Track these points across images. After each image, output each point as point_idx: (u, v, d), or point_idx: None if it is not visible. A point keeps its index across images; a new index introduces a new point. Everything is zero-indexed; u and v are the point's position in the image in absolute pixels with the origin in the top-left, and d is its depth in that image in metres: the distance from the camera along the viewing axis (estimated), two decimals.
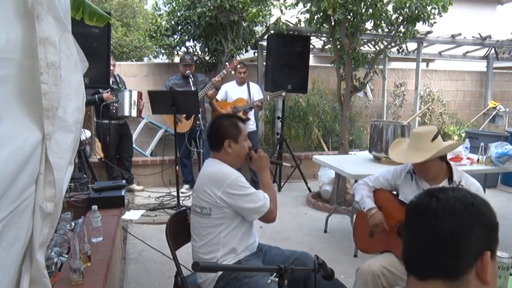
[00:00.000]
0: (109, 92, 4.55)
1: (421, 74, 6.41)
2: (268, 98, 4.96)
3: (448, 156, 2.40)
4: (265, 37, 5.72)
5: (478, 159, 3.62)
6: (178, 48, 6.13)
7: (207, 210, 1.89)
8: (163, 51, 6.52)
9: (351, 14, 4.16)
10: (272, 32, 5.21)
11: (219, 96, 5.09)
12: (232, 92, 5.13)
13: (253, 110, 5.08)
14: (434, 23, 4.26)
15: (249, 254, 1.98)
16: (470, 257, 0.82)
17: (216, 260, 1.88)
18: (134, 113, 4.72)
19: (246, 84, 5.17)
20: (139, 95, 4.75)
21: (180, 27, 5.85)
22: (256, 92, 5.18)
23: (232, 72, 4.94)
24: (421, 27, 4.47)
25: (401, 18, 4.26)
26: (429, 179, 2.22)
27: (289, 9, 4.62)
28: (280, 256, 2.05)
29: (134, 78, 6.18)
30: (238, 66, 5.03)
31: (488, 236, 0.85)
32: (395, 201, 2.35)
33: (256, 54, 6.37)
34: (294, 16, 4.78)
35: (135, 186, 5.15)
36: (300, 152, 6.20)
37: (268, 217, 1.95)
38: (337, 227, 4.01)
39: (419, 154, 2.12)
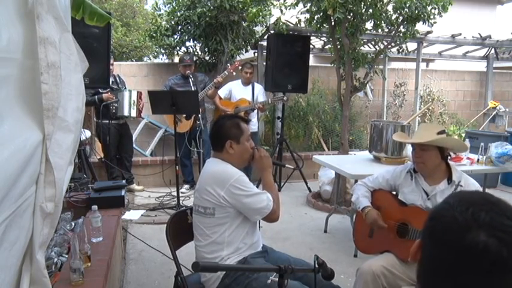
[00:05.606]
0: (108, 92, 4.55)
1: (421, 74, 6.41)
2: (270, 101, 4.96)
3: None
4: (265, 37, 5.71)
5: (478, 159, 3.62)
6: (178, 48, 6.13)
7: (211, 210, 1.88)
8: (163, 51, 6.52)
9: (351, 14, 4.16)
10: (272, 32, 5.20)
11: (223, 94, 5.10)
12: (236, 91, 5.13)
13: (255, 111, 5.09)
14: (434, 23, 4.26)
15: (255, 252, 1.97)
16: None
17: (221, 258, 1.87)
18: (134, 113, 4.71)
19: (250, 85, 5.17)
20: (139, 94, 4.74)
21: (180, 27, 5.85)
22: (260, 94, 5.17)
23: (234, 73, 4.94)
24: (421, 27, 4.47)
25: (401, 18, 4.26)
26: (428, 176, 2.23)
27: (289, 9, 4.61)
28: (283, 261, 2.01)
29: (134, 78, 6.18)
30: (244, 66, 5.03)
31: None
32: (394, 202, 2.35)
33: (256, 54, 6.37)
34: (294, 16, 4.77)
35: (135, 186, 5.14)
36: (300, 152, 6.19)
37: (271, 217, 1.95)
38: (337, 227, 4.01)
39: (423, 138, 2.17)
